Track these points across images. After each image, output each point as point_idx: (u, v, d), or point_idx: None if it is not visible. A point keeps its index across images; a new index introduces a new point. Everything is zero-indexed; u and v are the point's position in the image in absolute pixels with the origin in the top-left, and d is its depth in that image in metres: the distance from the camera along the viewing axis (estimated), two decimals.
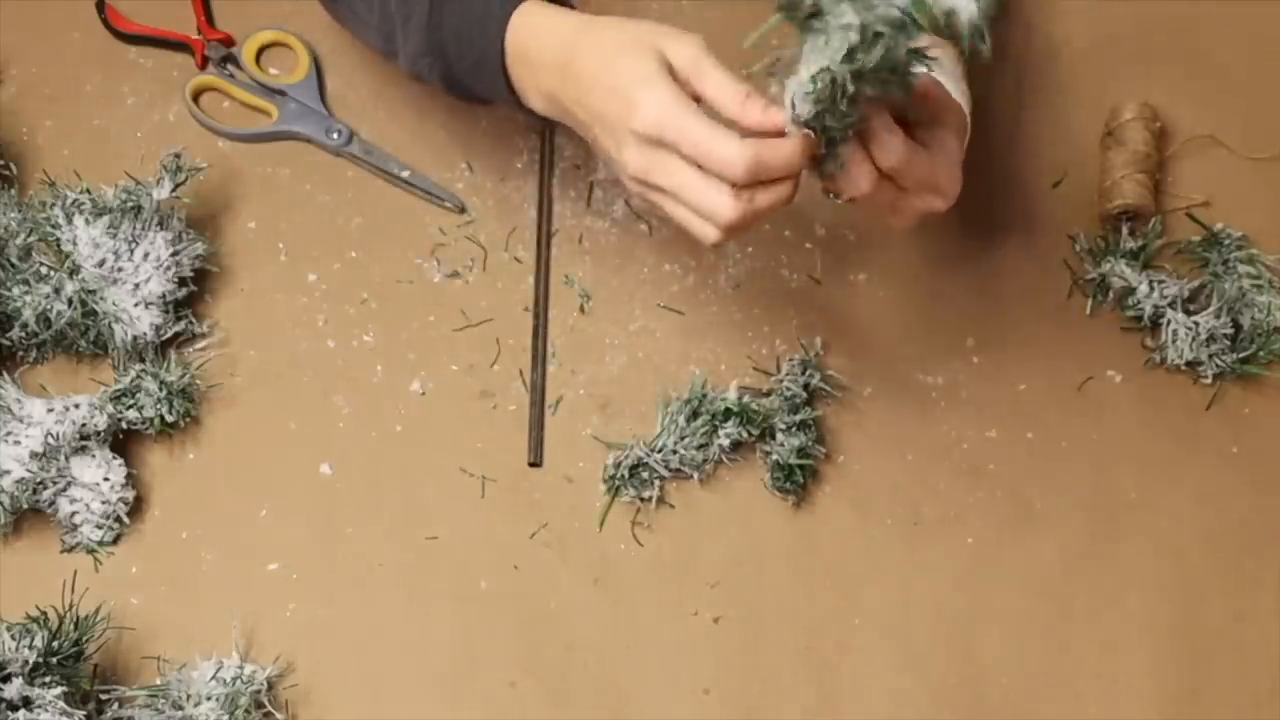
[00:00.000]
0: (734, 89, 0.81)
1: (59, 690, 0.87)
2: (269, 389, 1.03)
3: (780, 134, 0.80)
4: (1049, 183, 1.13)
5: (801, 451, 1.00)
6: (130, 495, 0.98)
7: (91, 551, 0.97)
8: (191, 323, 1.03)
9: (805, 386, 1.02)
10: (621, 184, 0.92)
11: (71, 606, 0.92)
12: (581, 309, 1.06)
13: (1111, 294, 1.08)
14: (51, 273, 1.00)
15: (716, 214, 0.81)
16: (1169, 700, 0.98)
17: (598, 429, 1.03)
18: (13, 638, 0.87)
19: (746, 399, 1.01)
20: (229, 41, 1.11)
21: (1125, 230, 1.08)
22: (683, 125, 0.80)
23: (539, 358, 1.04)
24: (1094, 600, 1.00)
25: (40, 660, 0.88)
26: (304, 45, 1.12)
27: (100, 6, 1.12)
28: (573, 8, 0.91)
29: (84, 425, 0.96)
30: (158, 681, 0.94)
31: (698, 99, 0.82)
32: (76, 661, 0.90)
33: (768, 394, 1.03)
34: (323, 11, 1.07)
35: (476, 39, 0.91)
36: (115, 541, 0.98)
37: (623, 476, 1.00)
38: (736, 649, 0.98)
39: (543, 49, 0.88)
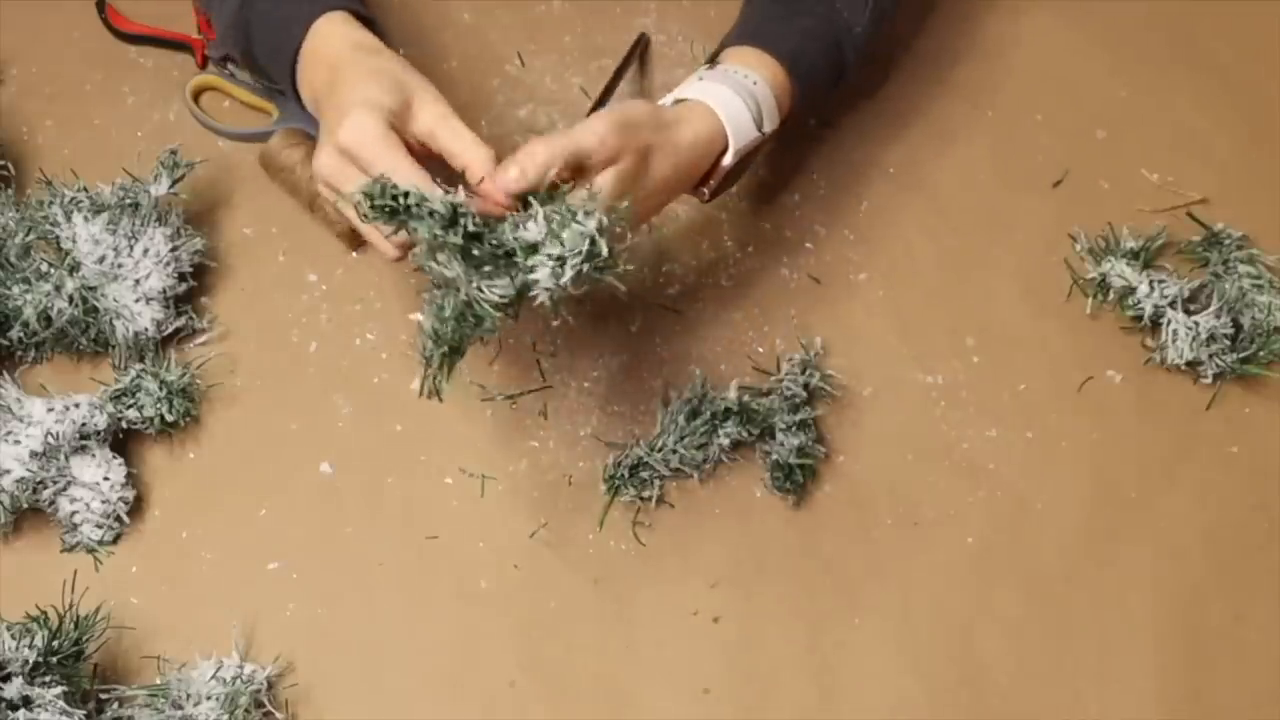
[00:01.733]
0: (478, 150, 0.87)
1: (59, 690, 0.87)
2: (269, 389, 1.03)
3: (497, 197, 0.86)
4: (1049, 183, 1.13)
5: (801, 451, 1.00)
6: (130, 495, 0.98)
7: (91, 551, 0.97)
8: (192, 318, 1.03)
9: (805, 386, 1.02)
10: None
11: (71, 606, 0.92)
12: (582, 308, 1.06)
13: (1111, 294, 1.08)
14: (52, 270, 1.00)
15: (384, 249, 0.90)
16: (1169, 700, 0.98)
17: (598, 429, 1.03)
18: (13, 637, 0.87)
19: (746, 399, 1.01)
20: None
21: None
22: (377, 153, 0.86)
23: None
24: (1094, 600, 1.00)
25: (40, 660, 0.88)
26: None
27: (100, 6, 1.12)
28: (381, 35, 0.97)
29: (84, 425, 0.96)
30: (158, 681, 0.93)
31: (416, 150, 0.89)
32: (76, 661, 0.90)
33: (768, 394, 1.03)
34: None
35: (279, 30, 0.97)
36: (115, 541, 0.98)
37: (623, 476, 1.00)
38: (736, 649, 0.98)
39: (326, 54, 0.94)
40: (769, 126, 0.98)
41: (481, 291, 0.82)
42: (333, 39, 0.95)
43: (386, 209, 0.82)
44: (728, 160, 0.96)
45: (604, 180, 0.89)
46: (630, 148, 0.90)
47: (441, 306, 0.84)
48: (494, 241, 0.82)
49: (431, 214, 0.81)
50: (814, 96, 1.03)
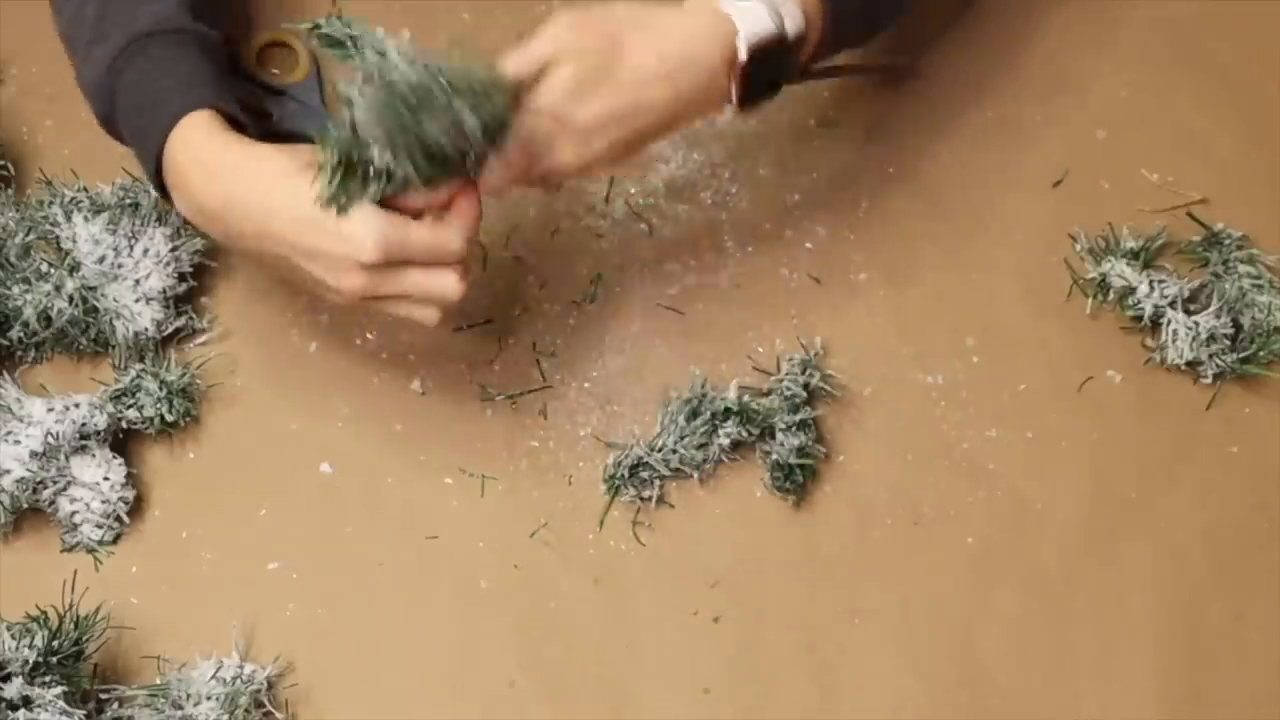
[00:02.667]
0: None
1: (59, 690, 0.87)
2: (269, 389, 1.03)
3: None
4: (1049, 183, 1.13)
5: (801, 451, 1.00)
6: (130, 495, 0.98)
7: (91, 551, 0.97)
8: (192, 318, 1.03)
9: (805, 386, 1.02)
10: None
11: (71, 606, 0.92)
12: (581, 308, 1.06)
13: (1111, 294, 1.08)
14: (51, 270, 1.00)
15: (449, 294, 0.88)
16: (1169, 700, 0.98)
17: (598, 429, 1.03)
18: (13, 637, 0.87)
19: (746, 399, 1.01)
20: (229, 41, 1.11)
21: None
22: (406, 239, 0.85)
23: None
24: (1094, 600, 1.00)
25: (40, 660, 0.88)
26: (304, 45, 1.12)
27: None
28: (244, 129, 0.92)
29: (84, 425, 0.96)
30: (158, 681, 0.93)
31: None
32: (76, 661, 0.90)
33: (768, 394, 1.03)
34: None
35: (146, 115, 0.92)
36: (115, 541, 0.98)
37: (623, 476, 1.00)
38: (736, 649, 0.98)
39: (201, 170, 0.89)
40: (792, 26, 0.91)
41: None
42: (200, 155, 0.89)
43: (337, 41, 0.84)
44: (741, 53, 0.89)
45: (559, 72, 0.85)
46: (592, 33, 0.86)
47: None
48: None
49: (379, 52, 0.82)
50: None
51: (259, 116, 1.06)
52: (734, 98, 0.92)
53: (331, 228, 0.84)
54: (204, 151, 0.89)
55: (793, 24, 0.91)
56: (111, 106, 0.94)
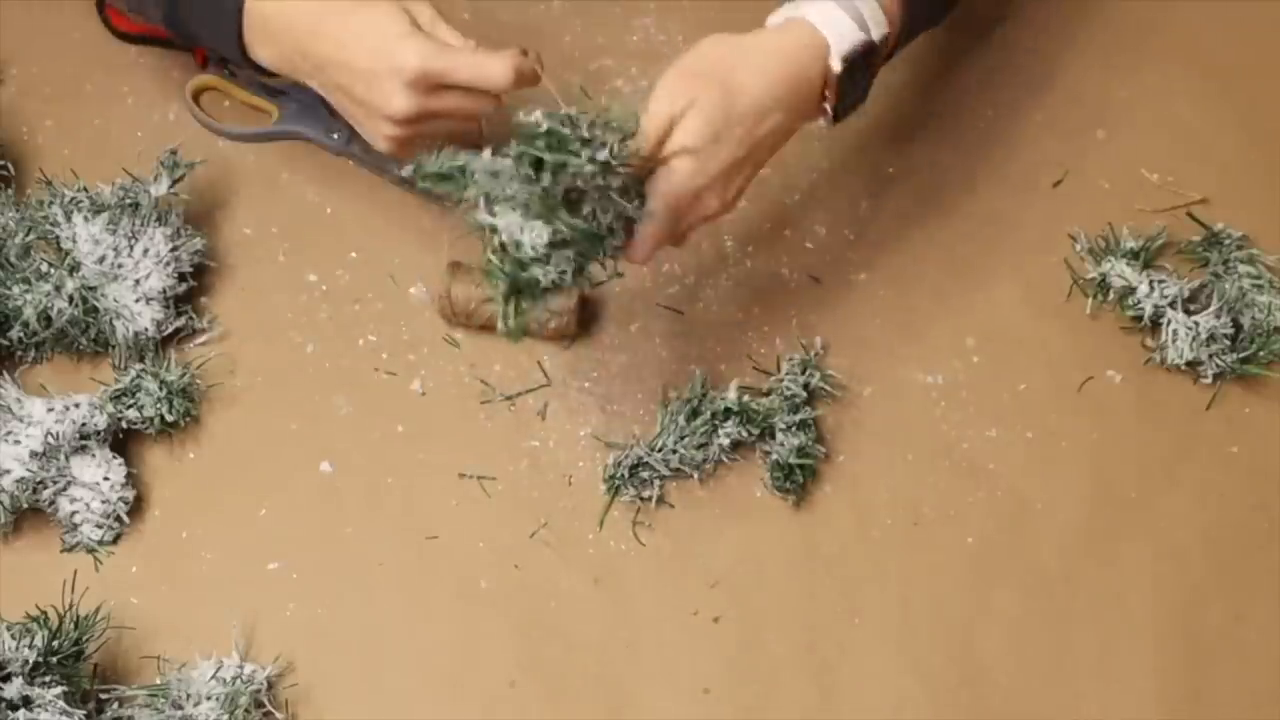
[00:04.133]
0: (464, 40, 0.95)
1: (59, 690, 0.87)
2: (269, 389, 1.03)
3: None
4: (1049, 183, 1.13)
5: (801, 451, 1.00)
6: (130, 495, 0.97)
7: (91, 551, 0.97)
8: (192, 318, 1.03)
9: (805, 386, 1.02)
10: None
11: (71, 606, 0.92)
12: (582, 309, 1.06)
13: (1111, 294, 1.08)
14: (52, 270, 1.00)
15: (487, 111, 0.96)
16: (1169, 700, 0.98)
17: (598, 429, 1.03)
18: (13, 637, 0.87)
19: (746, 399, 1.01)
20: None
21: None
22: (448, 60, 0.92)
23: None
24: (1094, 600, 1.00)
25: (40, 660, 0.88)
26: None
27: (100, 6, 1.12)
28: None
29: (84, 425, 0.96)
30: (158, 681, 0.93)
31: None
32: (76, 661, 0.90)
33: (768, 394, 1.03)
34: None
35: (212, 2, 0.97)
36: (115, 541, 0.98)
37: (623, 476, 1.00)
38: (736, 649, 0.98)
39: (286, 17, 0.95)
40: (877, 31, 0.93)
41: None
42: (283, 6, 0.95)
43: (445, 176, 0.86)
44: (835, 65, 0.91)
45: (688, 125, 0.87)
46: (703, 81, 0.88)
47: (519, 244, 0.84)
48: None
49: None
50: None
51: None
52: (829, 109, 0.95)
53: (384, 47, 0.92)
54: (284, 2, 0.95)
55: (877, 29, 0.93)
56: (174, 4, 0.99)
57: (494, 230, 0.84)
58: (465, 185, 0.85)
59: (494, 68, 0.92)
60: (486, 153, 0.84)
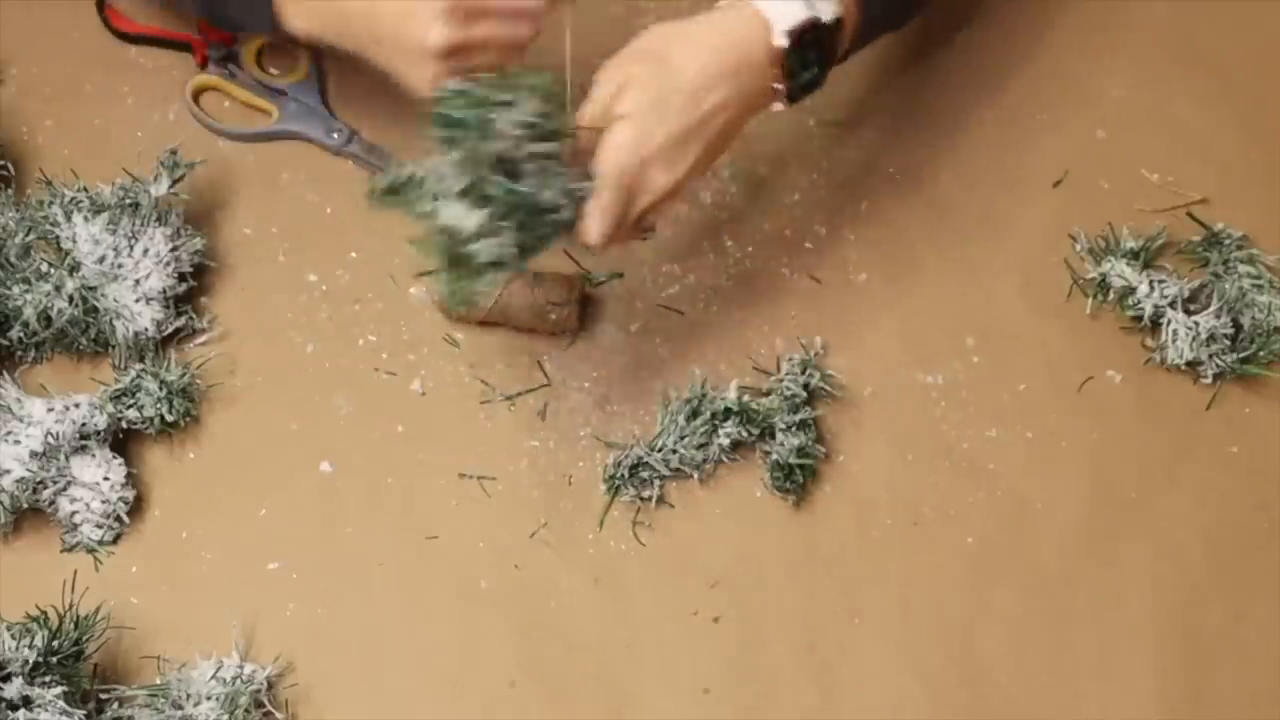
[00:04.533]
0: None
1: (59, 690, 0.87)
2: (269, 388, 1.03)
3: None
4: (1049, 183, 1.13)
5: (801, 451, 1.00)
6: (130, 495, 0.97)
7: (91, 551, 0.97)
8: (192, 318, 1.03)
9: (805, 386, 1.02)
10: None
11: (71, 606, 0.92)
12: (582, 308, 1.06)
13: (1111, 294, 1.08)
14: (52, 270, 1.00)
15: (522, 40, 0.94)
16: (1169, 700, 0.98)
17: (598, 429, 1.03)
18: (13, 637, 0.87)
19: (746, 399, 1.01)
20: (229, 41, 1.11)
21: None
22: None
23: None
24: (1094, 600, 1.00)
25: (40, 660, 0.88)
26: (304, 45, 1.11)
27: (100, 6, 1.12)
28: None
29: (84, 425, 0.96)
30: (158, 681, 0.93)
31: None
32: (76, 661, 0.90)
33: (768, 394, 1.03)
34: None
35: None
36: (115, 541, 0.98)
37: (623, 476, 1.00)
38: (736, 649, 0.98)
39: (319, 25, 0.94)
40: (827, 10, 0.93)
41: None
42: None
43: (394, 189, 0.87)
44: (779, 41, 0.91)
45: (625, 96, 0.88)
46: (640, 59, 0.90)
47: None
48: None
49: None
50: None
51: None
52: (784, 89, 0.94)
53: None
54: None
55: (827, 7, 0.93)
56: None
57: (434, 215, 0.85)
58: (417, 194, 0.86)
59: None
60: (430, 159, 0.86)
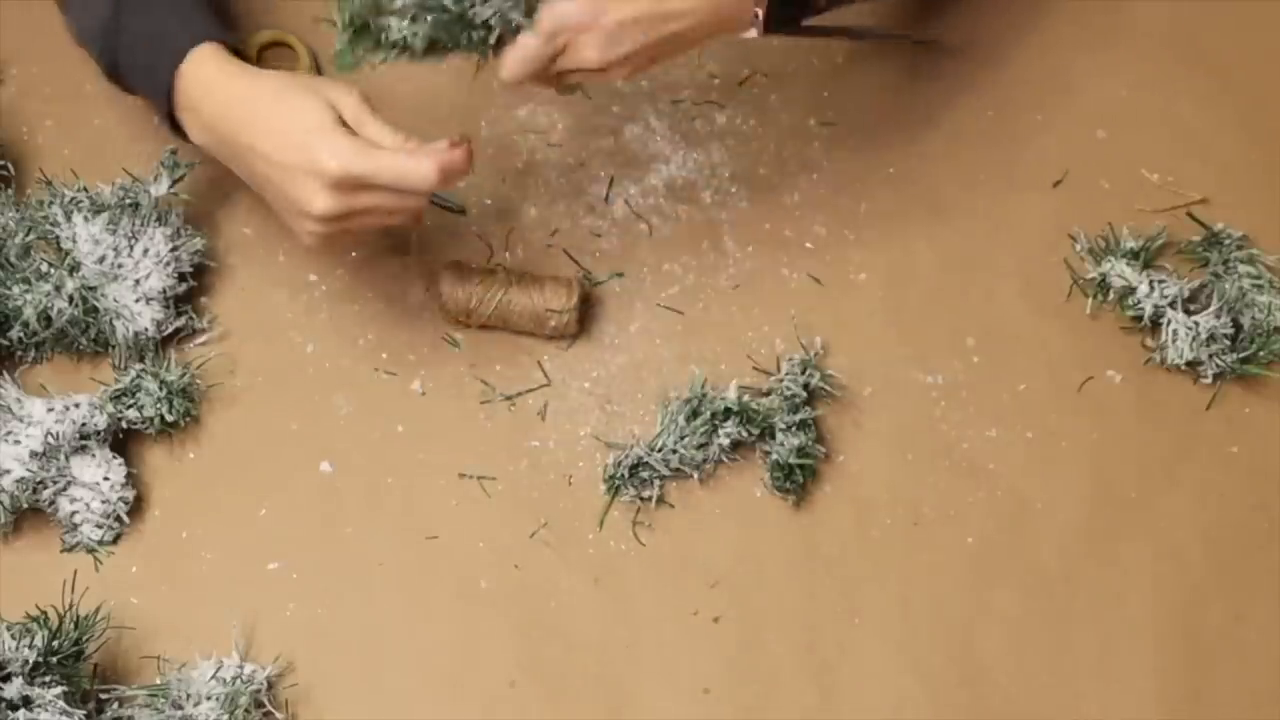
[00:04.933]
0: (391, 135, 0.92)
1: (59, 690, 0.87)
2: (269, 388, 1.03)
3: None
4: (1049, 183, 1.13)
5: (801, 451, 1.00)
6: (130, 495, 0.97)
7: (91, 551, 0.97)
8: (192, 318, 1.03)
9: (805, 386, 1.02)
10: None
11: (71, 606, 0.92)
12: (581, 311, 1.06)
13: (1111, 294, 1.08)
14: (52, 270, 1.00)
15: (410, 219, 0.95)
16: (1169, 700, 0.98)
17: (598, 429, 1.03)
18: (13, 637, 0.87)
19: (746, 399, 1.01)
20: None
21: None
22: (370, 163, 0.89)
23: None
24: (1094, 600, 1.00)
25: (40, 660, 0.88)
26: (304, 45, 1.12)
27: None
28: (241, 54, 0.98)
29: (84, 425, 0.96)
30: (158, 681, 0.93)
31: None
32: (76, 661, 0.90)
33: (768, 394, 1.03)
34: (322, 13, 1.07)
35: (152, 61, 0.96)
36: (115, 541, 0.98)
37: (623, 476, 1.00)
38: (736, 649, 0.98)
39: (212, 103, 0.94)
40: None
41: None
42: (211, 89, 0.94)
43: None
44: None
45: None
46: None
47: None
48: None
49: None
50: None
51: None
52: (758, 14, 0.94)
53: (304, 144, 0.89)
54: (215, 83, 0.94)
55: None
56: (115, 50, 0.98)
57: None
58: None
59: (418, 170, 0.89)
60: None
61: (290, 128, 0.90)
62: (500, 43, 0.89)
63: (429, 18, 0.85)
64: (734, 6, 0.94)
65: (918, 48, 1.17)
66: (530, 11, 0.88)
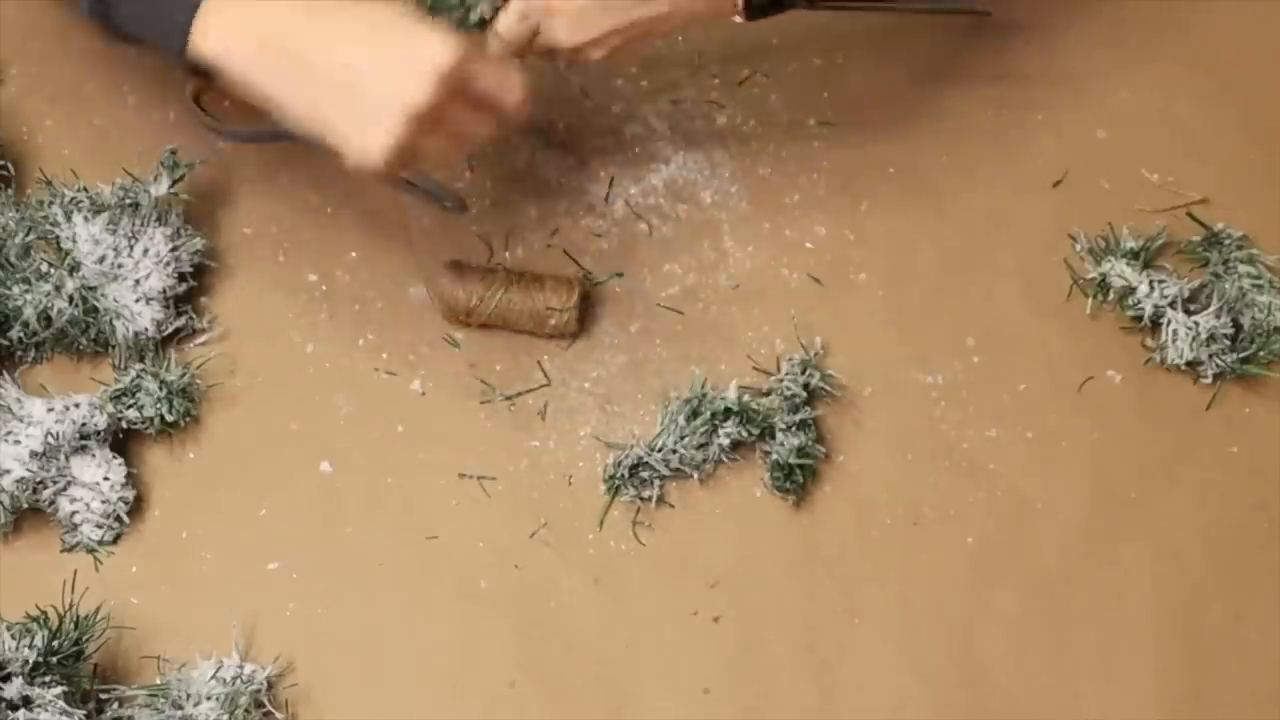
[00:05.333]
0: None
1: (59, 690, 0.87)
2: (269, 388, 1.03)
3: None
4: (1049, 183, 1.13)
5: (801, 451, 1.00)
6: (130, 495, 0.97)
7: (91, 551, 0.97)
8: (192, 318, 1.03)
9: (805, 386, 1.02)
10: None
11: (71, 606, 0.92)
12: (582, 310, 1.06)
13: (1111, 294, 1.08)
14: (52, 270, 1.00)
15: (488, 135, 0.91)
16: (1169, 700, 0.98)
17: (598, 429, 1.03)
18: (13, 637, 0.87)
19: (746, 399, 1.01)
20: None
21: None
22: (479, 60, 0.86)
23: None
24: (1094, 600, 1.00)
25: (40, 660, 0.88)
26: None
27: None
28: None
29: (84, 425, 0.96)
30: (158, 681, 0.93)
31: None
32: (76, 661, 0.90)
33: (768, 394, 1.03)
34: None
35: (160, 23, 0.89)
36: (115, 541, 0.98)
37: (623, 476, 1.00)
38: (736, 649, 0.98)
39: (252, 24, 0.86)
40: None
41: None
42: (247, 29, 0.86)
43: None
44: None
45: None
46: None
47: None
48: None
49: None
50: None
51: None
52: (739, 2, 0.94)
53: (411, 33, 0.84)
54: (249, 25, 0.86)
55: None
56: (117, 19, 0.91)
57: None
58: None
59: (515, 80, 0.88)
60: None
61: (391, 24, 0.84)
62: (483, 22, 0.92)
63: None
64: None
65: (930, 15, 1.16)
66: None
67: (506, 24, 0.93)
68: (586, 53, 0.94)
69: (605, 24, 0.92)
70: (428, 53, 0.84)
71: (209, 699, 0.91)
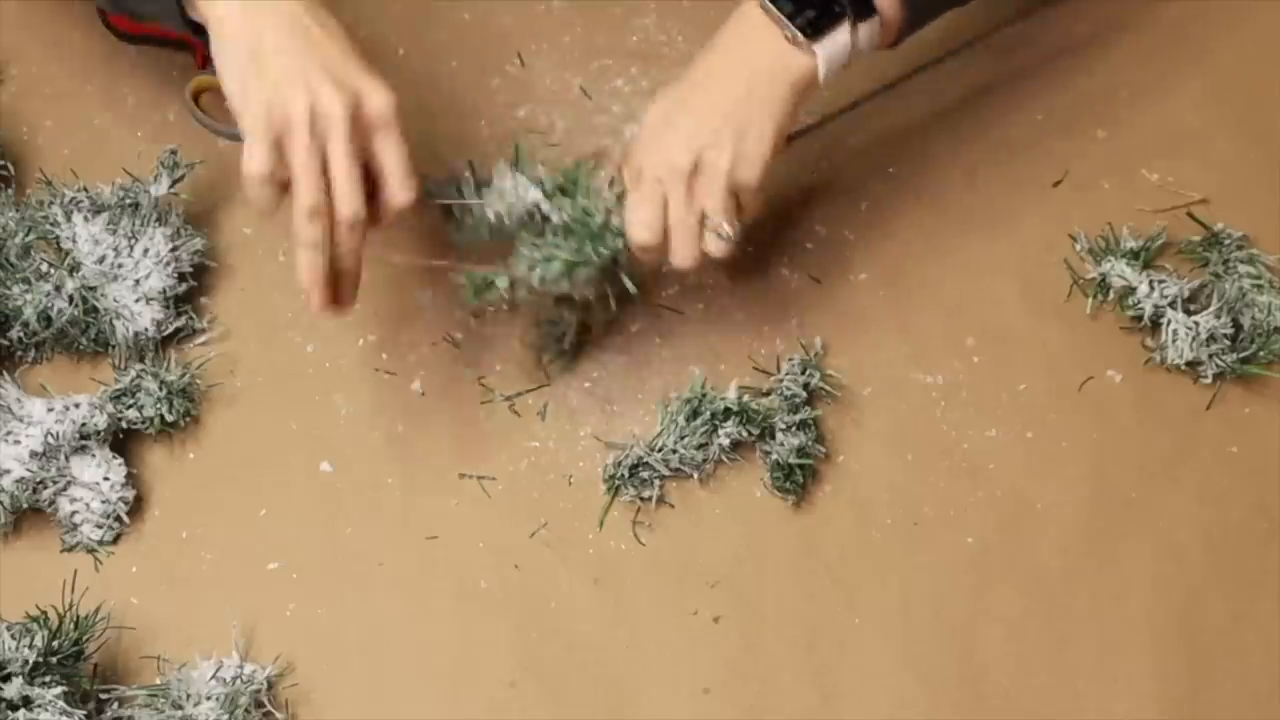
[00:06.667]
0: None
1: (59, 690, 0.87)
2: (269, 388, 1.03)
3: None
4: (1049, 183, 1.13)
5: (801, 451, 1.00)
6: (130, 495, 0.98)
7: (91, 551, 0.97)
8: (192, 318, 1.03)
9: (805, 386, 1.02)
10: None
11: (71, 606, 0.92)
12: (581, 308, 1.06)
13: (1111, 294, 1.08)
14: (52, 270, 1.00)
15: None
16: (1169, 700, 0.98)
17: (598, 429, 1.03)
18: (13, 637, 0.87)
19: (746, 399, 1.01)
20: None
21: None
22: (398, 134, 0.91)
23: None
24: (1094, 600, 1.00)
25: (40, 660, 0.88)
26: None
27: (102, 14, 1.12)
28: None
29: (84, 425, 0.96)
30: (158, 681, 0.94)
31: None
32: (76, 661, 0.90)
33: (768, 394, 1.03)
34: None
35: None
36: (115, 541, 0.98)
37: (623, 476, 1.00)
38: (736, 649, 0.98)
39: None
40: (866, 39, 0.94)
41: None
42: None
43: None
44: (821, 76, 0.93)
45: (645, 123, 0.94)
46: (655, 109, 0.94)
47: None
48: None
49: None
50: None
51: None
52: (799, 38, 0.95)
53: (360, 63, 0.88)
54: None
55: (866, 38, 0.95)
56: None
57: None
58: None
59: (406, 196, 0.91)
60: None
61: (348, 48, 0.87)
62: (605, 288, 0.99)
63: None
64: (776, 90, 0.95)
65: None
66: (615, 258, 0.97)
67: (634, 202, 0.95)
68: (749, 177, 0.95)
69: (699, 114, 0.94)
70: (369, 81, 0.87)
71: (209, 699, 0.91)
